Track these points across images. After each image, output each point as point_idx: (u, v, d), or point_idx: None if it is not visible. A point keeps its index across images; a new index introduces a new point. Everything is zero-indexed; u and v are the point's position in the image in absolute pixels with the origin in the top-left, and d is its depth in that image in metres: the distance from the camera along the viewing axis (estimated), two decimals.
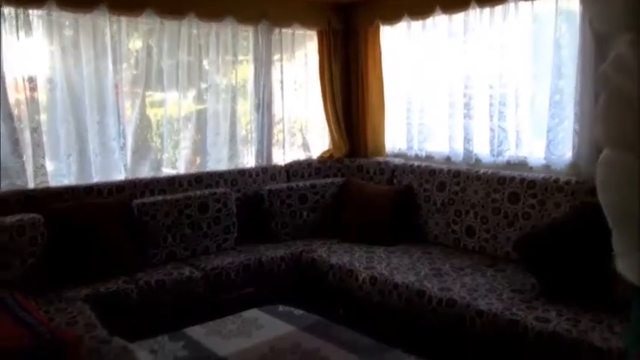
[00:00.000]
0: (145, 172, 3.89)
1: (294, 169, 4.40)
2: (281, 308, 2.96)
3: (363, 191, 4.03)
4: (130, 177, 3.77)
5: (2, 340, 1.87)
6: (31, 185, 3.46)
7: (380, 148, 4.55)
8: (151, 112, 4.03)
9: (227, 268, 3.40)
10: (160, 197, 3.60)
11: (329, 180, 4.23)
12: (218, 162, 4.20)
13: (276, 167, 4.35)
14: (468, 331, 2.63)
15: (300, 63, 4.64)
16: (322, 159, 4.58)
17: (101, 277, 3.14)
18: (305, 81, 4.65)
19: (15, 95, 3.42)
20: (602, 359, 2.12)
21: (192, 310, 3.19)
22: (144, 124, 3.96)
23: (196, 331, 2.71)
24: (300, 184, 4.11)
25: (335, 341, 2.55)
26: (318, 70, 4.56)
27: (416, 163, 4.06)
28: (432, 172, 3.84)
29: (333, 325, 2.75)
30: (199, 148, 4.20)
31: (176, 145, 4.12)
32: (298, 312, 2.91)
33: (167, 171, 4.02)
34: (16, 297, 2.45)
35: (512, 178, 3.37)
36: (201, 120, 4.17)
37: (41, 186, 3.46)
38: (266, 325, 2.75)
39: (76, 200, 3.42)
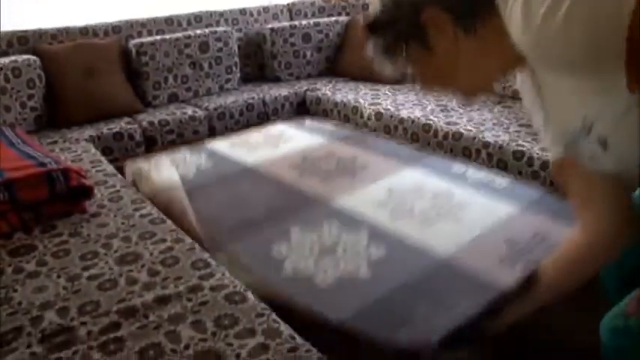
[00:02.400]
0: None
1: (297, 8, 4.20)
2: (308, 122, 2.80)
3: None
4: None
5: (8, 171, 1.86)
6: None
7: None
8: None
9: (230, 107, 3.36)
10: (158, 37, 3.46)
11: (333, 19, 4.04)
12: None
13: (278, 6, 4.15)
14: (473, 163, 2.63)
15: None
16: None
17: (103, 119, 3.12)
18: None
19: None
20: None
21: None
22: None
23: (218, 144, 2.56)
24: (304, 22, 3.93)
25: (372, 149, 2.43)
26: None
27: None
28: None
29: (369, 136, 2.61)
30: None
31: None
32: (328, 125, 2.74)
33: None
34: (17, 133, 2.44)
35: None
36: None
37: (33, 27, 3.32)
38: (294, 137, 2.60)
39: (71, 41, 3.30)
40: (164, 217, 1.82)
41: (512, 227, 1.73)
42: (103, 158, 2.51)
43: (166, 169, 2.24)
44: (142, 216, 1.83)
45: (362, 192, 2.01)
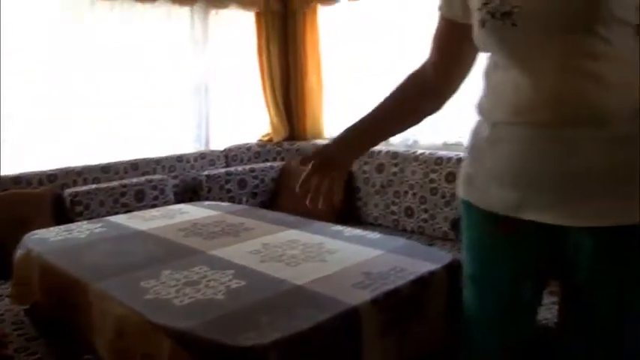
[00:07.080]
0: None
1: (232, 154, 4.35)
2: (207, 203, 3.13)
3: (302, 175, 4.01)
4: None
5: None
6: None
7: (319, 131, 4.54)
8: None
9: None
10: (93, 186, 3.49)
11: (268, 164, 4.20)
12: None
13: (214, 152, 4.29)
14: None
15: (237, 45, 4.54)
16: (261, 143, 4.54)
17: None
18: (242, 64, 4.56)
19: None
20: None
21: None
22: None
23: (119, 218, 2.80)
24: (239, 168, 4.06)
25: (260, 218, 2.66)
26: (256, 53, 4.47)
27: None
28: (371, 154, 3.84)
29: (261, 210, 2.91)
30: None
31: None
32: (226, 203, 3.07)
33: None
34: None
35: (450, 158, 3.41)
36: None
37: None
38: (191, 212, 2.83)
39: (3, 191, 3.28)
40: None
41: (372, 263, 1.91)
42: (25, 319, 2.43)
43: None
44: None
45: (239, 246, 2.19)
